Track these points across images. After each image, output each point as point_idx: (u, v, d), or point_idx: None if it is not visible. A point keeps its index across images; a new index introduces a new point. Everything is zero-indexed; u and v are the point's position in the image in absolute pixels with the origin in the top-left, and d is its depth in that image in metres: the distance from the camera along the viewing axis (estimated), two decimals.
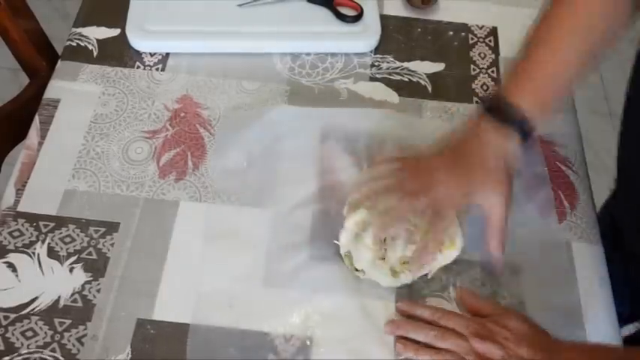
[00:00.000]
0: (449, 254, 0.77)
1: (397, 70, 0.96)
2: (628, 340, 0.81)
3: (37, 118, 0.87)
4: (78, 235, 0.78)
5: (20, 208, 0.80)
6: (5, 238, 0.77)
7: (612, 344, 0.74)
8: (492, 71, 0.97)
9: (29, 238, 0.78)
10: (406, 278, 0.76)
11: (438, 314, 0.72)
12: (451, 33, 1.01)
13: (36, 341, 0.71)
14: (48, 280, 0.75)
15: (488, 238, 0.74)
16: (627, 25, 0.74)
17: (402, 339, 0.72)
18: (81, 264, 0.76)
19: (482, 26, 1.02)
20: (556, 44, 0.74)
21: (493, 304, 0.74)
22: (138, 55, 0.95)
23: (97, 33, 0.97)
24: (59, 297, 0.74)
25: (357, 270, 0.76)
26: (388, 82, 0.95)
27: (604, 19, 0.73)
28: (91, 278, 0.75)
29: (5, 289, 0.74)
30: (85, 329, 0.72)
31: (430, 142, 0.79)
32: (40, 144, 0.85)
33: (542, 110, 0.75)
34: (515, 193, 0.82)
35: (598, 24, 0.74)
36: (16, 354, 0.70)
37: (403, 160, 0.79)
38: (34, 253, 0.77)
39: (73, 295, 0.74)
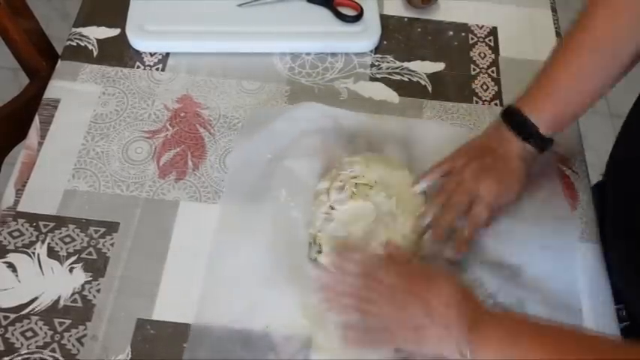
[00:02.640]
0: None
1: (397, 70, 0.96)
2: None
3: (37, 118, 0.87)
4: (78, 235, 0.78)
5: (20, 208, 0.80)
6: (5, 238, 0.77)
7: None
8: (492, 71, 0.97)
9: (29, 238, 0.78)
10: None
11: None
12: (451, 33, 1.01)
13: (36, 341, 0.71)
14: (48, 280, 0.75)
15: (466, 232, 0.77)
16: None
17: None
18: (81, 264, 0.76)
19: (482, 26, 1.02)
20: (575, 63, 0.77)
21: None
22: (138, 55, 0.95)
23: (97, 33, 0.97)
24: (59, 297, 0.74)
25: (319, 252, 0.76)
26: (388, 82, 0.95)
27: (627, 41, 0.75)
28: (91, 278, 0.75)
29: (5, 289, 0.74)
30: (85, 329, 0.72)
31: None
32: (40, 144, 0.85)
33: (555, 125, 0.79)
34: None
35: (621, 46, 0.75)
36: (16, 354, 0.70)
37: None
38: (33, 253, 0.77)
39: (72, 295, 0.74)
